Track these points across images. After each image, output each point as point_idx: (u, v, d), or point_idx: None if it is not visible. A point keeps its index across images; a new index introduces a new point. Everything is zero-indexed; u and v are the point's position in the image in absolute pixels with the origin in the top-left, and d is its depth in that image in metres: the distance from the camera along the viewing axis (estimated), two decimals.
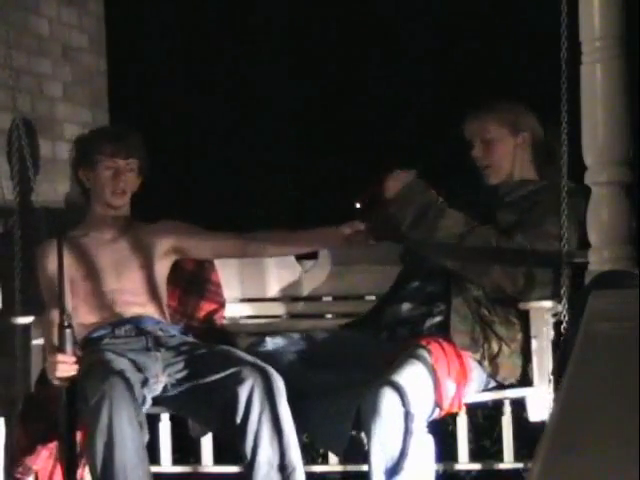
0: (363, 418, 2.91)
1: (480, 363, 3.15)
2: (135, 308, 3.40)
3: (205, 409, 3.15)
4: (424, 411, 2.96)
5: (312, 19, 8.87)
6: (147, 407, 3.11)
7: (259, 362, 3.08)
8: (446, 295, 3.22)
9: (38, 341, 3.38)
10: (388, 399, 2.88)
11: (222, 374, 3.06)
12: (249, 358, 3.12)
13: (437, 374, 2.99)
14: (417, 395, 2.92)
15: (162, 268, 3.51)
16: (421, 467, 2.94)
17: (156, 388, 3.15)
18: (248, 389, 2.98)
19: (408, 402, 2.89)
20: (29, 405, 3.28)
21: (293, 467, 2.99)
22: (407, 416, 2.89)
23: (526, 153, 3.41)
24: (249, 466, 3.00)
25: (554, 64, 3.07)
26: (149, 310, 3.41)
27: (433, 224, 3.17)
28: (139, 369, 3.12)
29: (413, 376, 2.95)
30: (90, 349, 3.21)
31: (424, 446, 2.96)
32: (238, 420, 2.99)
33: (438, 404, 3.00)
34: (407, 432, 2.89)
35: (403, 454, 2.88)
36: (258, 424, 2.97)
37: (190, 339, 3.41)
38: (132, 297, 3.41)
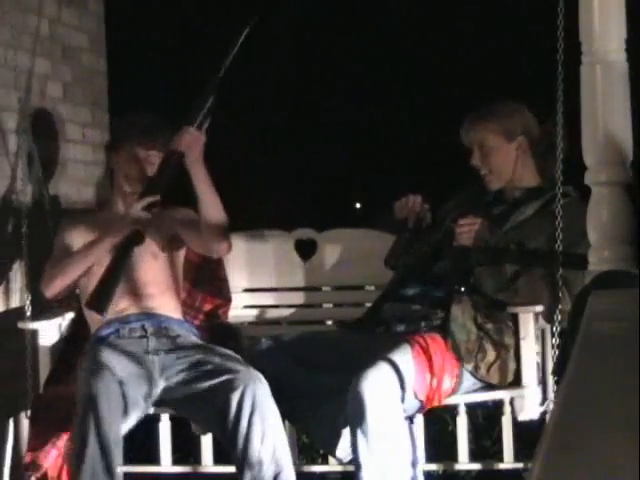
0: (347, 409, 2.99)
1: (473, 373, 3.17)
2: (145, 302, 3.40)
3: (201, 413, 3.22)
4: (400, 400, 3.01)
5: (317, 19, 8.86)
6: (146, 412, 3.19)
7: (250, 368, 3.15)
8: (448, 302, 3.24)
9: (45, 343, 3.39)
10: (365, 389, 2.95)
11: (215, 381, 3.12)
12: (241, 365, 3.17)
13: (415, 367, 3.05)
14: (392, 385, 2.99)
15: (175, 258, 3.50)
16: (402, 456, 3.00)
17: (155, 392, 3.21)
18: (239, 395, 3.05)
19: (383, 391, 2.97)
20: (38, 405, 3.30)
21: (282, 467, 3.05)
22: (382, 404, 2.96)
23: (526, 155, 3.44)
24: (240, 467, 3.07)
25: (554, 65, 3.08)
26: (160, 304, 3.41)
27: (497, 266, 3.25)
28: (135, 376, 3.16)
29: (390, 368, 3.01)
30: (93, 352, 3.24)
31: (405, 436, 3.02)
32: (229, 424, 3.06)
33: (416, 396, 3.05)
34: (383, 419, 2.96)
35: (380, 439, 2.95)
36: (248, 427, 3.04)
37: (194, 338, 3.43)
38: (143, 289, 3.42)
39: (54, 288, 3.33)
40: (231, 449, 3.11)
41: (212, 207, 3.26)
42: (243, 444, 3.04)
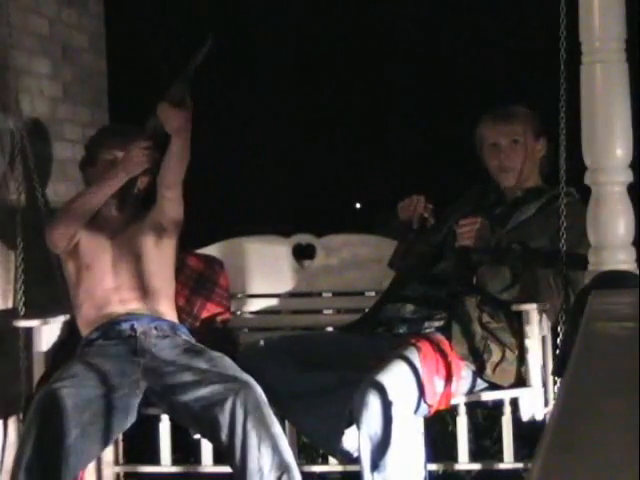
0: (354, 413, 2.96)
1: (479, 373, 3.16)
2: (133, 304, 3.40)
3: (193, 424, 3.22)
4: (410, 405, 3.00)
5: (317, 23, 8.86)
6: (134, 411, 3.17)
7: (238, 375, 3.12)
8: (450, 302, 3.24)
9: (40, 344, 3.39)
10: (375, 393, 2.93)
11: (202, 392, 3.09)
12: (229, 371, 3.14)
13: (424, 371, 3.03)
14: (403, 390, 2.97)
15: (162, 259, 3.50)
16: (410, 461, 2.99)
17: (137, 393, 3.18)
18: (230, 407, 3.02)
19: (393, 396, 2.94)
20: (30, 406, 3.30)
21: (285, 467, 3.02)
22: (393, 409, 2.94)
23: (538, 159, 3.47)
24: (241, 477, 3.03)
25: (554, 65, 3.08)
26: (149, 306, 3.41)
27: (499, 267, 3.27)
28: (113, 378, 3.16)
29: (400, 372, 3.00)
30: (78, 354, 3.28)
31: (413, 441, 3.00)
32: (224, 437, 3.04)
33: (424, 400, 3.03)
34: (393, 424, 2.94)
35: (389, 444, 2.94)
36: (243, 437, 3.01)
37: (185, 337, 3.41)
38: (131, 293, 3.42)
39: (66, 224, 3.40)
40: (229, 460, 3.08)
41: (181, 149, 3.31)
42: (241, 454, 3.01)
